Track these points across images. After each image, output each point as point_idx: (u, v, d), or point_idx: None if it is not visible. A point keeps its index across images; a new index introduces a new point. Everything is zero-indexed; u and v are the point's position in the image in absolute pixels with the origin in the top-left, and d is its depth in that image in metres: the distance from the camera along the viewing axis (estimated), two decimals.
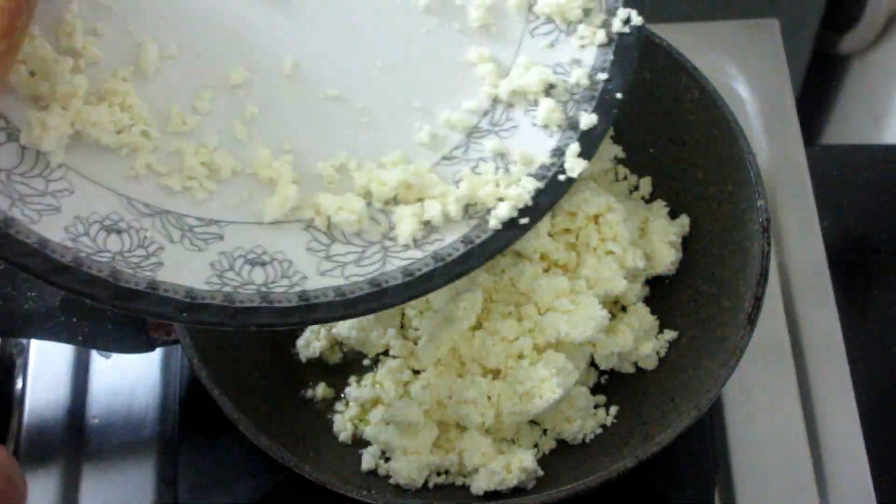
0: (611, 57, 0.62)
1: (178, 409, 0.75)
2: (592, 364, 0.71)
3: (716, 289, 0.70)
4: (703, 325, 0.70)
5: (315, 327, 0.73)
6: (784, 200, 0.83)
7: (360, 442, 0.69)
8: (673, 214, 0.75)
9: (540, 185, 0.60)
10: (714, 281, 0.71)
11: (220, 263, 0.57)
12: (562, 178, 0.60)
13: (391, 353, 0.71)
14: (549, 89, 0.62)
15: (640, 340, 0.71)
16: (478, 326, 0.70)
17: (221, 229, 0.58)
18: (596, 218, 0.72)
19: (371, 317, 0.71)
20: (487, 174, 0.61)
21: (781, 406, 0.75)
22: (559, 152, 0.60)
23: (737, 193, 0.70)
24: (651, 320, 0.71)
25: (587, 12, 0.62)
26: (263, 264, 0.58)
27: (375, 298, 0.57)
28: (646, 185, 0.77)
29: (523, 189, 0.60)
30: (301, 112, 0.62)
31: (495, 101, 0.63)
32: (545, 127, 0.61)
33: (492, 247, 0.59)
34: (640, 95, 0.76)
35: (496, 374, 0.69)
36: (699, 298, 0.72)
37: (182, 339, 0.66)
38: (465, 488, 0.66)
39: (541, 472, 0.66)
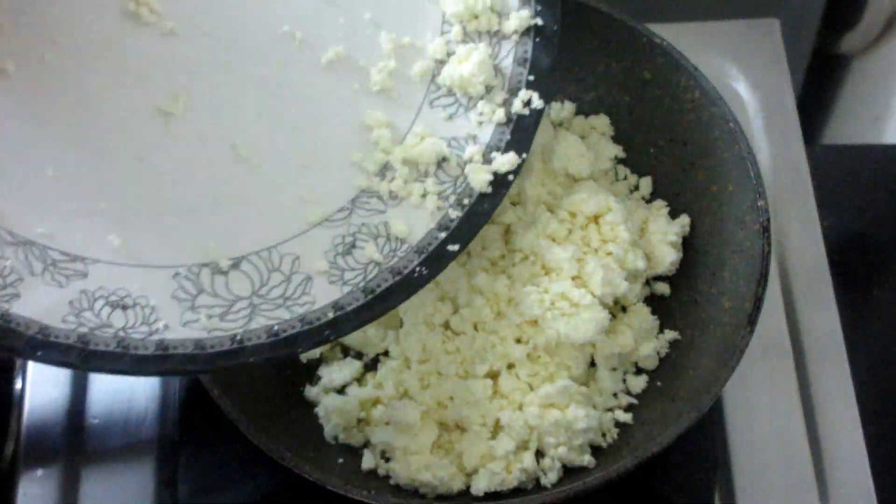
0: (507, 137, 0.62)
1: (177, 410, 0.75)
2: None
3: (716, 289, 0.70)
4: (703, 325, 0.70)
5: None
6: (784, 200, 0.83)
7: (360, 442, 0.69)
8: (673, 214, 0.75)
9: (418, 259, 0.60)
10: (714, 281, 0.71)
11: (80, 302, 0.56)
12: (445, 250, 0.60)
13: (391, 353, 0.71)
14: (441, 162, 0.62)
15: (641, 340, 0.71)
16: (476, 327, 0.70)
17: (86, 266, 0.57)
18: (596, 218, 0.72)
19: None
20: (368, 244, 0.60)
21: (781, 406, 0.75)
22: (443, 227, 0.60)
23: (737, 193, 0.70)
24: (651, 320, 0.71)
25: (489, 89, 0.62)
26: (125, 308, 0.57)
27: (234, 356, 0.57)
28: (646, 185, 0.77)
29: (404, 260, 0.59)
30: (188, 158, 0.61)
31: (386, 167, 0.62)
32: (428, 201, 0.61)
33: (361, 317, 0.59)
34: (640, 95, 0.76)
35: (495, 375, 0.69)
36: (699, 298, 0.72)
37: None
38: (465, 488, 0.66)
39: (540, 473, 0.66)
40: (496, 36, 0.63)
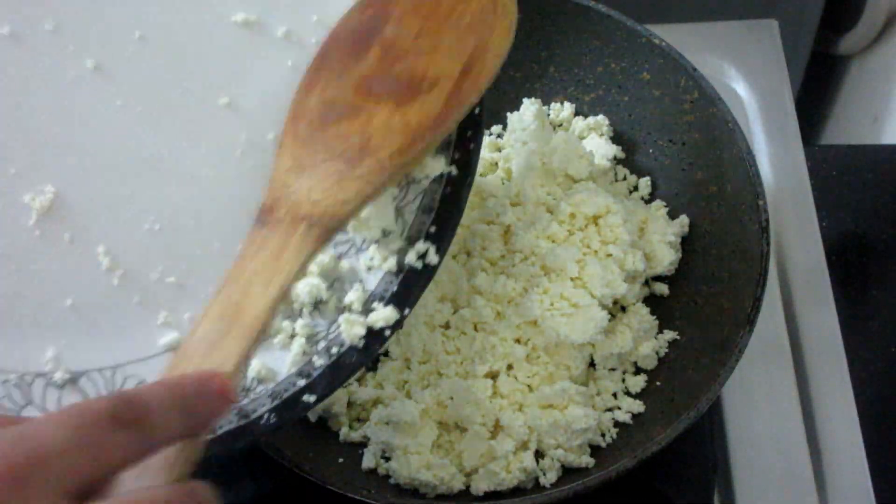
0: (394, 288, 0.56)
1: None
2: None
3: (715, 289, 0.71)
4: (702, 325, 0.70)
5: None
6: (783, 200, 0.83)
7: (360, 442, 0.69)
8: (672, 214, 0.75)
9: (270, 404, 0.55)
10: (713, 281, 0.71)
11: None
12: (304, 398, 0.55)
13: (391, 353, 0.71)
14: (318, 304, 0.57)
15: (640, 341, 0.71)
16: (477, 328, 0.70)
17: None
18: (595, 219, 0.72)
19: None
20: None
21: (781, 406, 0.75)
22: (304, 374, 0.56)
23: (737, 193, 0.70)
24: (650, 320, 0.72)
25: (386, 233, 0.57)
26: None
27: None
28: (645, 185, 0.77)
29: (255, 402, 0.56)
30: (52, 260, 0.57)
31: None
32: (295, 344, 0.57)
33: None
34: (640, 95, 0.76)
35: (495, 375, 0.69)
36: (699, 299, 0.72)
37: None
38: (465, 488, 0.66)
39: (539, 473, 0.66)
40: (406, 178, 0.57)
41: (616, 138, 0.78)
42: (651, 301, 0.73)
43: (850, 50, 1.10)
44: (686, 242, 0.74)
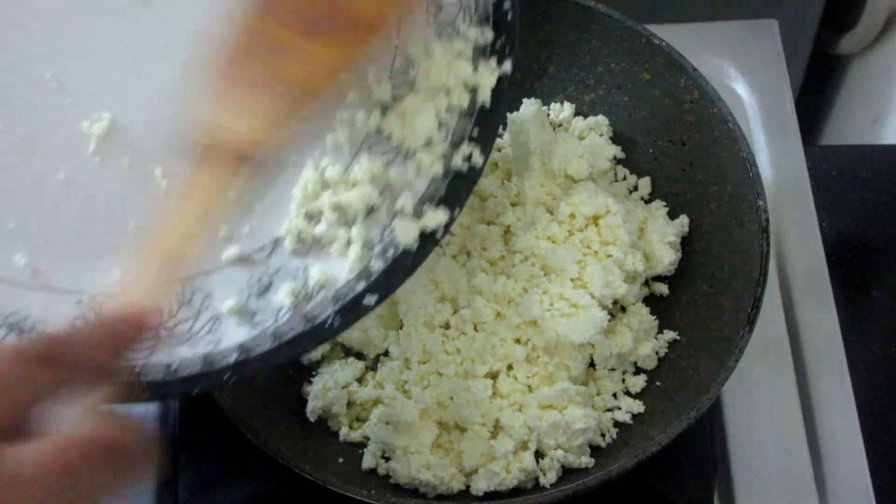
0: (443, 191, 0.59)
1: (177, 410, 0.75)
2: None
3: (715, 289, 0.71)
4: (702, 325, 0.70)
5: None
6: (784, 200, 0.83)
7: (360, 442, 0.69)
8: (672, 214, 0.75)
9: (333, 307, 0.57)
10: (713, 281, 0.71)
11: None
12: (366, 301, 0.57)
13: (391, 353, 0.71)
14: (370, 211, 0.59)
15: (640, 341, 0.71)
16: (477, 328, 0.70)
17: None
18: (595, 220, 0.72)
19: (372, 318, 0.71)
20: (283, 288, 0.58)
21: (781, 406, 0.75)
22: (363, 277, 0.57)
23: (736, 193, 0.70)
24: (650, 320, 0.72)
25: (429, 142, 0.59)
26: (21, 331, 0.55)
27: (128, 390, 0.54)
28: (645, 185, 0.77)
29: (318, 307, 0.57)
30: (113, 184, 0.59)
31: (313, 211, 0.59)
32: (351, 250, 0.59)
33: (266, 361, 0.56)
34: (640, 95, 0.76)
35: (495, 375, 0.69)
36: (699, 298, 0.72)
37: None
38: (465, 488, 0.66)
39: (539, 473, 0.66)
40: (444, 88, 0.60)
41: (616, 138, 0.78)
42: (651, 301, 0.73)
43: (850, 50, 1.10)
44: (686, 242, 0.74)
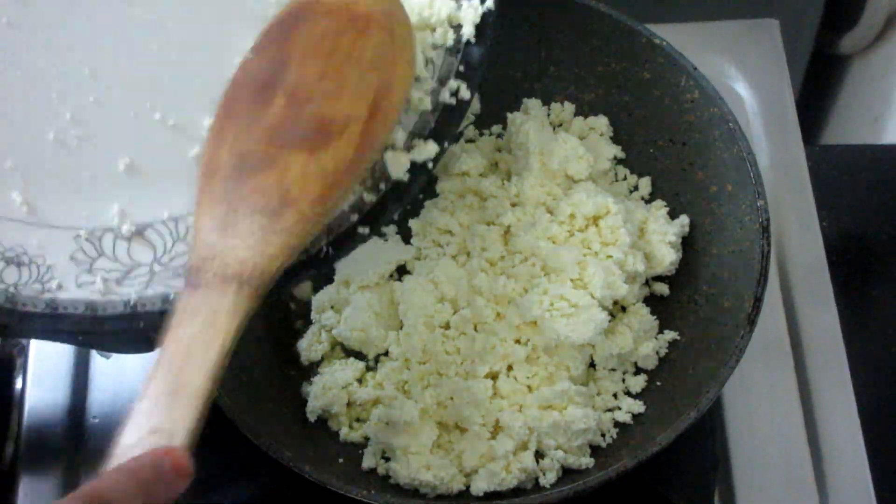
0: (432, 125, 0.60)
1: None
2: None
3: (716, 289, 0.71)
4: (703, 325, 0.70)
5: (316, 330, 0.73)
6: (784, 200, 0.83)
7: (360, 442, 0.69)
8: (673, 214, 0.75)
9: (327, 238, 0.58)
10: (714, 281, 0.71)
11: None
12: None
13: (391, 354, 0.71)
14: None
15: (640, 341, 0.71)
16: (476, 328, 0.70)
17: None
18: (596, 220, 0.72)
19: (372, 318, 0.71)
20: None
21: (781, 406, 0.75)
22: (355, 209, 0.58)
23: (737, 193, 0.70)
24: (651, 321, 0.72)
25: (418, 78, 0.61)
26: (20, 265, 0.57)
27: (126, 320, 0.57)
28: (645, 185, 0.77)
29: (314, 239, 0.58)
30: (106, 120, 0.61)
31: None
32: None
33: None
34: (640, 95, 0.76)
35: (495, 375, 0.69)
36: (699, 299, 0.72)
37: None
38: (465, 488, 0.66)
39: (539, 473, 0.66)
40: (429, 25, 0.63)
41: (616, 138, 0.78)
42: (651, 301, 0.73)
43: (850, 50, 1.10)
44: (686, 242, 0.74)
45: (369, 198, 0.59)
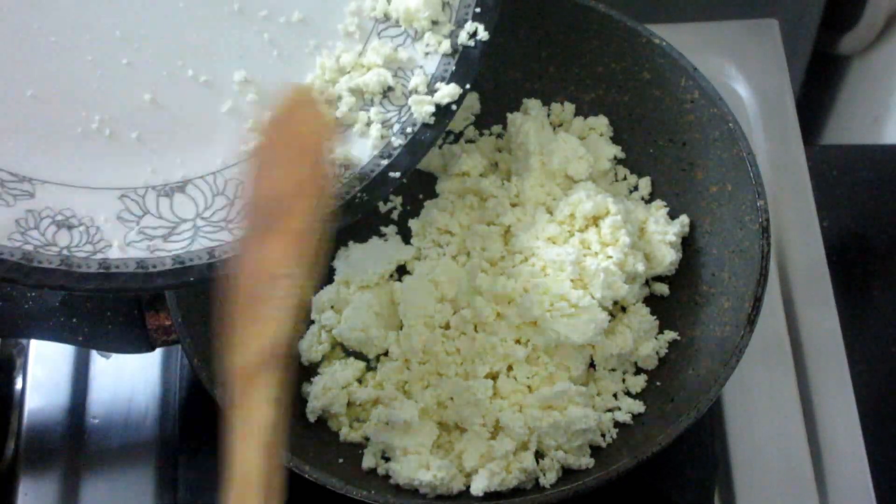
0: (452, 67, 0.63)
1: (177, 410, 0.75)
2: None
3: (715, 289, 0.71)
4: (703, 325, 0.70)
5: (316, 330, 0.73)
6: (784, 200, 0.83)
7: (360, 442, 0.69)
8: (672, 214, 0.75)
9: (360, 185, 0.61)
10: (714, 281, 0.71)
11: (26, 221, 0.58)
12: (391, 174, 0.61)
13: (391, 354, 0.71)
14: (386, 91, 0.63)
15: (640, 341, 0.71)
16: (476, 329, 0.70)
17: (33, 187, 0.59)
18: (596, 221, 0.72)
19: (372, 318, 0.71)
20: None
21: (781, 406, 0.75)
22: (385, 155, 0.62)
23: (737, 193, 0.70)
24: (651, 321, 0.71)
25: (435, 23, 0.64)
26: (70, 227, 0.58)
27: (176, 275, 0.58)
28: (645, 185, 0.77)
29: (347, 185, 0.61)
30: (143, 81, 0.62)
31: (332, 95, 0.64)
32: (372, 130, 0.62)
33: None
34: (640, 95, 0.76)
35: (495, 375, 0.69)
36: (699, 299, 0.72)
37: (182, 340, 0.66)
38: (465, 488, 0.66)
39: (539, 473, 0.66)
40: None
41: (616, 138, 0.78)
42: (651, 301, 0.73)
43: (850, 50, 1.10)
44: (686, 242, 0.74)
45: (397, 142, 0.62)
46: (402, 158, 0.62)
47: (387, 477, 0.67)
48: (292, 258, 0.54)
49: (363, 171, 0.61)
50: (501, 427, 0.67)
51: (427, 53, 0.64)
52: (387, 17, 0.65)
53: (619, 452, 0.66)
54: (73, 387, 0.77)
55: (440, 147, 0.80)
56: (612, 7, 0.75)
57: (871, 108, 1.09)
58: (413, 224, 0.76)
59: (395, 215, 0.78)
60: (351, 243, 0.76)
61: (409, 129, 0.62)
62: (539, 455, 0.67)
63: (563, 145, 0.74)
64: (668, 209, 0.75)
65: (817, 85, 1.15)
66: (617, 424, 0.69)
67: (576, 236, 0.71)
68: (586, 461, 0.66)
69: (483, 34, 0.63)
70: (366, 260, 0.74)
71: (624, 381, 0.71)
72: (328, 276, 0.74)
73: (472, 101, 0.80)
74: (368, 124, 0.63)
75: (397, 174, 0.61)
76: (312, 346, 0.72)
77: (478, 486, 0.65)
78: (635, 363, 0.71)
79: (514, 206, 0.74)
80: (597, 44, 0.76)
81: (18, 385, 0.77)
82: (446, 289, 0.71)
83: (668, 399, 0.68)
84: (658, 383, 0.70)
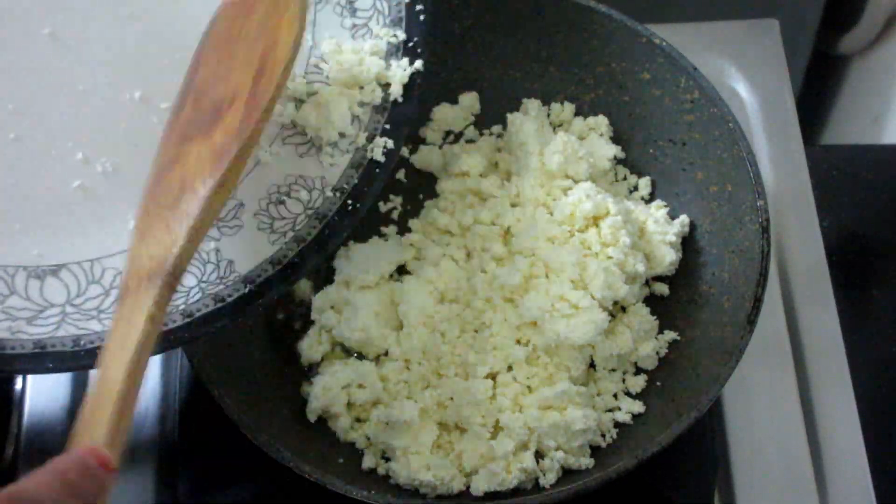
0: (355, 180, 0.62)
1: (178, 410, 0.75)
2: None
3: (715, 289, 0.71)
4: (702, 325, 0.70)
5: (316, 330, 0.73)
6: (783, 200, 0.83)
7: (360, 442, 0.69)
8: (673, 214, 0.75)
9: (244, 290, 0.60)
10: (714, 281, 0.71)
11: None
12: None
13: (391, 354, 0.71)
14: (287, 194, 0.62)
15: (640, 341, 0.71)
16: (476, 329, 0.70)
17: None
18: (596, 221, 0.72)
19: (372, 318, 0.71)
20: (192, 271, 0.60)
21: (781, 406, 0.75)
22: (275, 262, 0.60)
23: (737, 193, 0.70)
24: (651, 321, 0.71)
25: (343, 135, 0.63)
26: None
27: (34, 360, 0.57)
28: (645, 185, 0.77)
29: (229, 288, 0.60)
30: (32, 159, 0.61)
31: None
32: (272, 232, 0.61)
33: (178, 338, 0.59)
34: (640, 95, 0.76)
35: (495, 376, 0.69)
36: (699, 299, 0.72)
37: None
38: (465, 488, 0.66)
39: (540, 474, 0.66)
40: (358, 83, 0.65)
41: (616, 138, 0.78)
42: (651, 301, 0.73)
43: (850, 50, 1.10)
44: (686, 242, 0.74)
45: (289, 250, 0.60)
46: (271, 281, 0.60)
47: (387, 477, 0.67)
48: (208, 171, 0.54)
49: (248, 276, 0.60)
50: (501, 427, 0.67)
51: (332, 164, 0.63)
52: (293, 125, 0.64)
53: (619, 452, 0.66)
54: (73, 387, 0.77)
55: (440, 147, 0.80)
56: (612, 7, 0.75)
57: (871, 108, 1.09)
58: (413, 224, 0.76)
59: (395, 215, 0.78)
60: (351, 243, 0.76)
61: (289, 237, 0.61)
62: (539, 455, 0.67)
63: (563, 145, 0.74)
64: (668, 209, 0.75)
65: (817, 85, 1.14)
66: (617, 424, 0.69)
67: (576, 236, 0.71)
68: (586, 461, 0.66)
69: (391, 149, 0.63)
70: (366, 260, 0.74)
71: (624, 381, 0.71)
72: (328, 277, 0.74)
73: (472, 101, 0.80)
74: (260, 228, 0.62)
75: (261, 301, 0.60)
76: (312, 346, 0.72)
77: (478, 486, 0.65)
78: (635, 363, 0.71)
79: (514, 205, 0.74)
80: (597, 44, 0.76)
81: (18, 385, 0.77)
82: (446, 289, 0.71)
83: (668, 399, 0.68)
84: (658, 383, 0.70)
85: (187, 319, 0.59)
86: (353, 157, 0.62)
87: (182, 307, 0.59)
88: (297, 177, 0.63)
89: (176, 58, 0.62)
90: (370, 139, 0.63)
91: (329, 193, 0.62)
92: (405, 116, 0.64)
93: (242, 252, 0.61)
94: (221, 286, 0.60)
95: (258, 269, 0.60)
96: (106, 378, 0.49)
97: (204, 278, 0.60)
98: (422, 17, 0.65)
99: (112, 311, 0.58)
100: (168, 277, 0.52)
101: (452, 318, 0.70)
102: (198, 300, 0.59)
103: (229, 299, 0.59)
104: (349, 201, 0.62)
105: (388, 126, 0.63)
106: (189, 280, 0.60)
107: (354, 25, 0.65)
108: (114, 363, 0.49)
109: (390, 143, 0.63)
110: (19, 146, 0.61)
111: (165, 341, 0.58)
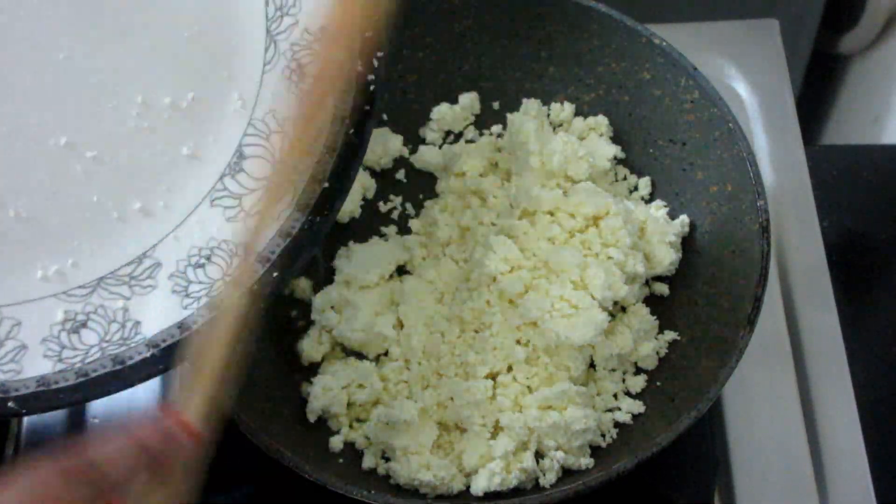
0: (282, 244, 0.60)
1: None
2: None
3: (715, 289, 0.71)
4: (702, 325, 0.70)
5: (317, 330, 0.73)
6: (784, 200, 0.83)
7: (360, 442, 0.69)
8: (673, 214, 0.75)
9: (146, 353, 0.58)
10: (714, 281, 0.71)
11: None
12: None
13: (391, 354, 0.71)
14: (209, 258, 0.60)
15: (640, 341, 0.71)
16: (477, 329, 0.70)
17: None
18: (596, 221, 0.72)
19: (372, 319, 0.71)
20: (98, 328, 0.58)
21: (781, 406, 0.75)
22: (185, 326, 0.59)
23: (737, 193, 0.70)
24: (650, 321, 0.71)
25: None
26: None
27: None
28: (645, 185, 0.77)
29: (132, 350, 0.58)
30: None
31: (144, 254, 0.60)
32: (186, 296, 0.60)
33: (68, 398, 0.58)
34: (640, 95, 0.76)
35: (495, 376, 0.69)
36: (699, 299, 0.72)
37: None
38: (465, 488, 0.66)
39: (540, 474, 0.66)
40: None
41: (616, 138, 0.78)
42: (651, 301, 0.73)
43: (850, 49, 1.10)
44: (686, 242, 0.74)
45: (201, 315, 0.59)
46: (173, 346, 0.58)
47: (387, 477, 0.67)
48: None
49: (152, 340, 0.59)
50: (501, 427, 0.67)
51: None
52: (224, 187, 0.62)
53: (619, 452, 0.66)
54: None
55: (440, 147, 0.80)
56: (612, 7, 0.75)
57: (871, 108, 1.09)
58: (413, 224, 0.76)
59: (395, 215, 0.78)
60: (351, 243, 0.76)
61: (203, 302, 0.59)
62: (539, 455, 0.67)
63: (563, 145, 0.74)
64: (668, 209, 0.75)
65: (817, 85, 1.15)
66: (617, 424, 0.69)
67: (576, 236, 0.71)
68: (586, 461, 0.66)
69: (319, 221, 0.60)
70: (366, 260, 0.74)
71: (624, 381, 0.71)
72: (328, 277, 0.74)
73: (472, 101, 0.80)
74: (171, 290, 0.60)
75: (163, 367, 0.58)
76: (312, 346, 0.72)
77: (478, 486, 0.65)
78: (635, 363, 0.71)
79: (514, 206, 0.74)
80: (597, 44, 0.76)
81: None
82: (446, 289, 0.71)
83: (668, 399, 0.68)
84: (658, 383, 0.70)
85: (81, 379, 0.57)
86: (282, 226, 0.60)
87: (78, 366, 0.58)
88: (220, 241, 0.61)
89: (107, 107, 0.60)
90: (301, 209, 0.60)
91: (251, 262, 0.60)
92: (339, 194, 0.61)
93: (151, 314, 0.59)
94: (123, 348, 0.58)
95: (164, 334, 0.59)
96: (204, 352, 0.49)
97: (107, 337, 0.58)
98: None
99: (4, 362, 0.57)
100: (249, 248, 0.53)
101: (452, 318, 0.70)
102: (95, 360, 0.58)
103: (129, 362, 0.58)
104: (274, 272, 0.60)
105: (319, 201, 0.60)
106: (90, 338, 0.59)
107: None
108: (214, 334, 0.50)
109: (319, 219, 0.60)
110: None
111: (54, 399, 0.57)
